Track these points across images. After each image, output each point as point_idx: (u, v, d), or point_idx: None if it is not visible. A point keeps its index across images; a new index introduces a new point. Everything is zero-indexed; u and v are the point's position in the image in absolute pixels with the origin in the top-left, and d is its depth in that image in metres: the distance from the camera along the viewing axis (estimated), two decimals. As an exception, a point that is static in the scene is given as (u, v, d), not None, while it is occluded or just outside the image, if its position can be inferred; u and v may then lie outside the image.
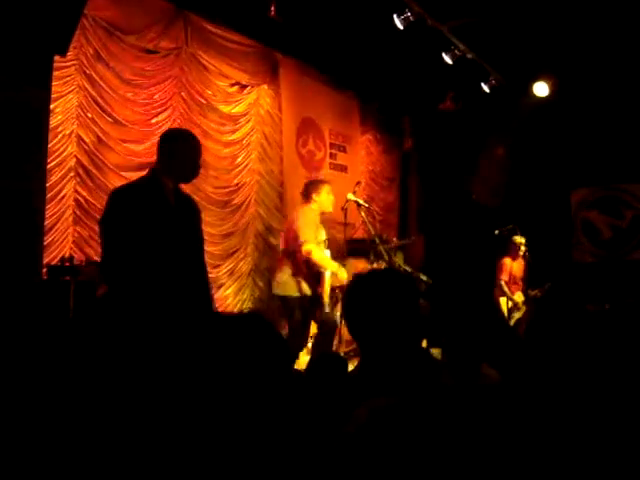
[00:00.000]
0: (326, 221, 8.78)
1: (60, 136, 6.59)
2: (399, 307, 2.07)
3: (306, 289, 5.82)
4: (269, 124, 9.10)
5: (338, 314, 6.04)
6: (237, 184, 8.64)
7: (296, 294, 5.80)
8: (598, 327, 2.39)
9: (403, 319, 2.06)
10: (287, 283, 5.87)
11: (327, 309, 5.89)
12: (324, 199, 6.00)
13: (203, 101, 8.15)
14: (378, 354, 2.01)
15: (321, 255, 5.80)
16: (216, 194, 8.29)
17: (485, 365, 2.86)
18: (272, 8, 7.53)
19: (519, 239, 8.51)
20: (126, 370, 3.51)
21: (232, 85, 8.58)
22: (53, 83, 5.62)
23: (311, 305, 5.89)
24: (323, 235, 6.01)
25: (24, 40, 4.63)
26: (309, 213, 5.99)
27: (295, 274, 5.85)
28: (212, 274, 7.95)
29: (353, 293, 2.18)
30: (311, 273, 5.84)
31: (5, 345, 4.21)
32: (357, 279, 2.27)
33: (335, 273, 5.86)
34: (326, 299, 5.83)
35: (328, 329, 5.99)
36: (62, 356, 4.54)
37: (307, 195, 6.05)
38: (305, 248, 5.71)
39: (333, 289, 6.10)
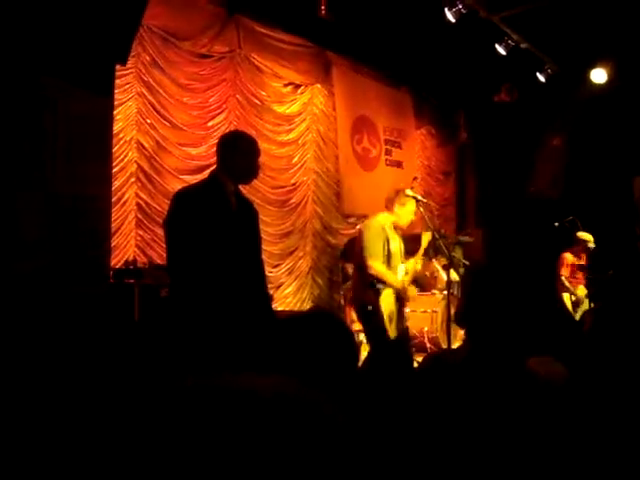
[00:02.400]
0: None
1: (121, 142, 6.77)
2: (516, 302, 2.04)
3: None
4: (324, 123, 9.14)
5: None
6: (294, 183, 8.71)
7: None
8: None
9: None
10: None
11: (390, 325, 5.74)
12: (405, 213, 5.86)
13: (258, 102, 8.24)
14: (489, 345, 1.99)
15: (382, 270, 5.67)
16: (273, 194, 8.37)
17: (551, 359, 2.83)
18: (322, 7, 7.56)
19: (586, 236, 8.28)
20: (192, 370, 3.57)
21: (286, 85, 8.65)
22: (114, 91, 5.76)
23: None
24: (396, 246, 5.85)
25: (88, 51, 4.76)
26: (377, 224, 5.84)
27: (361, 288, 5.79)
28: (272, 273, 8.03)
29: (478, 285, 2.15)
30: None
31: (77, 348, 4.33)
32: (480, 271, 2.25)
33: (399, 289, 5.72)
34: (385, 317, 5.67)
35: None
36: (131, 356, 4.66)
37: (390, 203, 5.91)
38: (368, 264, 5.63)
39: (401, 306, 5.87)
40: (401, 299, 5.74)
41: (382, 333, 5.62)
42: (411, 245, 6.76)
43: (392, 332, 5.66)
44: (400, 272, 5.77)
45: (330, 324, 1.70)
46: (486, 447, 1.66)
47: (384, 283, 5.63)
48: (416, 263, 5.87)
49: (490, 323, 2.04)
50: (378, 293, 5.63)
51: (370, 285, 5.63)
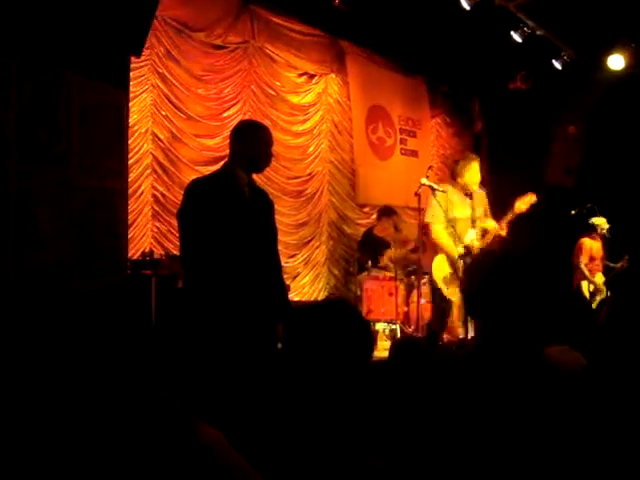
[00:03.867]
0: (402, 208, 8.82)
1: (137, 134, 6.80)
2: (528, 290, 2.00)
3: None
4: (338, 113, 9.13)
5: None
6: (309, 174, 8.72)
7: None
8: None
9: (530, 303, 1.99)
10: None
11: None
12: (471, 176, 5.99)
13: (272, 93, 8.24)
14: (499, 335, 1.96)
15: (440, 235, 5.85)
16: (289, 184, 8.38)
17: (568, 348, 2.82)
18: (336, -4, 7.54)
19: (599, 220, 8.23)
20: (209, 362, 3.59)
21: (300, 75, 8.64)
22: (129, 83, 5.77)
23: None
24: (465, 212, 5.97)
25: (103, 44, 4.78)
26: (439, 194, 5.94)
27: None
28: (288, 264, 8.05)
29: (483, 272, 2.10)
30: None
31: (94, 340, 4.37)
32: (488, 258, 2.21)
33: (453, 257, 5.87)
34: (439, 281, 5.87)
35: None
36: (149, 347, 4.69)
37: (453, 174, 6.11)
38: (430, 227, 5.85)
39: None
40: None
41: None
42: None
43: (452, 295, 5.82)
44: (469, 237, 5.88)
45: (344, 313, 1.70)
46: (501, 440, 1.66)
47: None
48: (500, 228, 5.94)
49: (505, 312, 2.00)
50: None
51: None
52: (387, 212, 8.01)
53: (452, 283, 5.85)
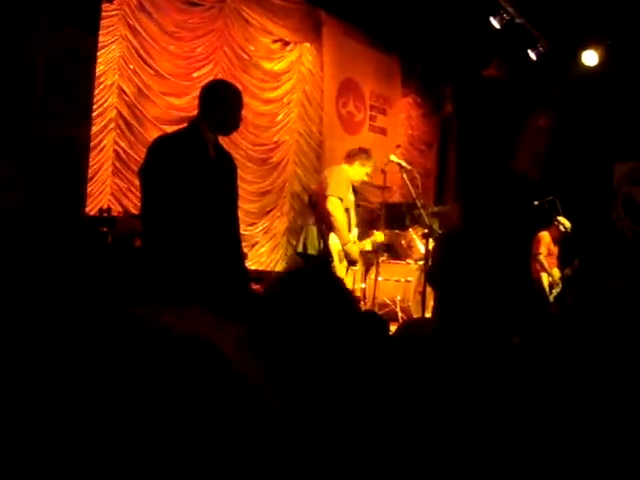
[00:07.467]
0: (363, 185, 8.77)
1: (102, 87, 6.58)
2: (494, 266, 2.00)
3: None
4: (310, 83, 9.00)
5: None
6: (276, 142, 8.60)
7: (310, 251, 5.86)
8: (620, 301, 2.33)
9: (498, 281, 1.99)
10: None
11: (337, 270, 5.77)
12: (361, 172, 5.91)
13: (245, 57, 8.08)
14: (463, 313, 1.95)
15: (337, 210, 5.69)
16: (254, 151, 8.25)
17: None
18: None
19: (565, 222, 8.29)
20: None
21: (275, 42, 8.49)
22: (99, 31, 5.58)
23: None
24: (352, 201, 5.90)
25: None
26: (344, 172, 5.90)
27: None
28: (247, 232, 7.96)
29: (451, 249, 2.10)
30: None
31: (47, 295, 4.24)
32: (451, 235, 2.21)
33: (344, 244, 5.75)
34: (335, 256, 5.73)
35: None
36: (100, 307, 4.57)
37: (351, 158, 5.97)
38: (329, 201, 5.66)
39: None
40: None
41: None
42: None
43: (341, 271, 5.75)
44: (353, 234, 5.84)
45: (325, 279, 1.65)
46: (463, 422, 1.62)
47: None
48: (366, 244, 6.11)
49: (462, 290, 1.99)
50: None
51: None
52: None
53: (344, 260, 5.79)
